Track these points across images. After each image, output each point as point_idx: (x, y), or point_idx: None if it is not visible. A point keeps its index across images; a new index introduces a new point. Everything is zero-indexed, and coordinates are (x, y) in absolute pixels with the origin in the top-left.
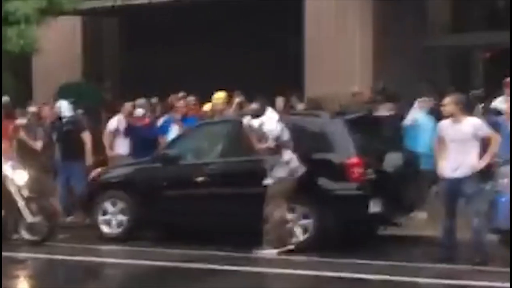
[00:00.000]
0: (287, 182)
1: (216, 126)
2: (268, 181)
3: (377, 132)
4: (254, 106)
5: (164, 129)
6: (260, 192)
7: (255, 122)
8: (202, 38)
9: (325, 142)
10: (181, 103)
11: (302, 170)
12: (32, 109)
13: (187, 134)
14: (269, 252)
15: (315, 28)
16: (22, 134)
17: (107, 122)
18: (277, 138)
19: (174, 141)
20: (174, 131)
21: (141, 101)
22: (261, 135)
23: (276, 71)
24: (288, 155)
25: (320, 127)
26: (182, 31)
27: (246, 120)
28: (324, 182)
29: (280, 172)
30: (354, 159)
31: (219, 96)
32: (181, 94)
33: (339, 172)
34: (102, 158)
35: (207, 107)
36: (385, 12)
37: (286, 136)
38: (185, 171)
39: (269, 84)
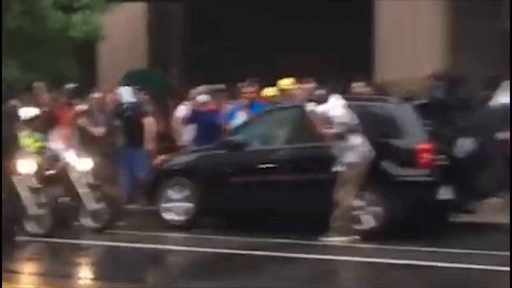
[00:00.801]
0: (358, 167)
1: (283, 112)
2: (338, 167)
3: (448, 118)
4: (320, 91)
5: (231, 115)
6: (326, 179)
7: (319, 108)
8: (269, 23)
9: (394, 127)
10: (248, 90)
11: (372, 154)
12: (95, 95)
13: (253, 120)
14: (337, 239)
15: (387, 11)
16: (82, 121)
17: (175, 109)
18: (343, 124)
19: (239, 127)
20: (240, 118)
21: (205, 87)
22: (326, 121)
23: (346, 55)
24: (357, 139)
25: (389, 112)
26: (249, 16)
27: (310, 106)
28: (393, 168)
29: (350, 157)
30: (424, 145)
31: (286, 82)
32: (247, 81)
33: (408, 158)
34: (168, 145)
35: (271, 92)
36: None
37: (354, 121)
38: (251, 158)
39: (338, 69)
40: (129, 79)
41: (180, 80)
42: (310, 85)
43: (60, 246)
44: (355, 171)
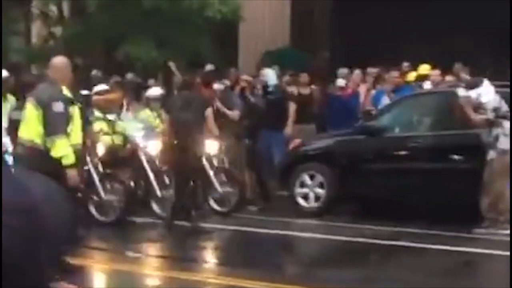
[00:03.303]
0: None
1: (425, 98)
2: (492, 155)
3: None
4: (467, 77)
5: (376, 100)
6: (470, 167)
7: (472, 93)
8: (416, 5)
9: None
10: (393, 74)
11: None
12: (242, 76)
13: (394, 105)
14: (500, 232)
15: None
16: (217, 103)
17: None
18: (495, 110)
19: (380, 112)
20: (384, 103)
21: (343, 70)
22: (478, 107)
23: (497, 38)
24: (510, 126)
25: None
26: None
27: (462, 91)
28: None
29: (505, 144)
30: None
31: (426, 67)
32: (393, 68)
33: None
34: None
35: (412, 77)
36: None
37: (505, 107)
38: (390, 144)
39: (483, 54)
40: (268, 59)
41: (330, 64)
42: (461, 71)
43: (184, 230)
44: (507, 158)
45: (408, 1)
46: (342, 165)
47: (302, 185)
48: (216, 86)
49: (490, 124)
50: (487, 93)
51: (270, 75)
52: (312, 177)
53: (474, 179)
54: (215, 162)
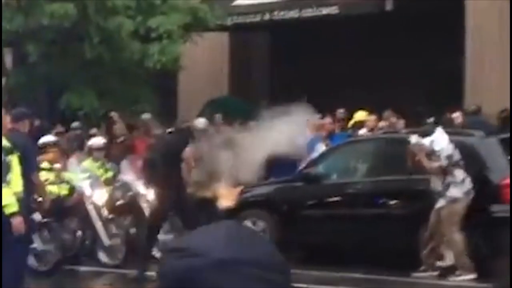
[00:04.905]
0: (461, 202)
1: (362, 144)
2: (441, 203)
3: None
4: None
5: (310, 147)
6: (406, 213)
7: (425, 141)
8: (352, 52)
9: (479, 162)
10: (326, 120)
11: (473, 191)
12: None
13: (331, 152)
14: (467, 278)
15: (477, 42)
16: None
17: None
18: (449, 157)
19: (317, 159)
20: (319, 150)
21: None
22: (431, 154)
23: (433, 86)
24: (461, 174)
25: (473, 146)
26: (332, 45)
27: (414, 138)
28: (481, 203)
29: (455, 192)
30: (508, 180)
31: (362, 114)
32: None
33: (493, 193)
34: None
35: (351, 124)
36: None
37: (457, 155)
38: (329, 191)
39: (424, 99)
40: (212, 107)
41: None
42: (393, 117)
43: (131, 278)
44: (457, 206)
45: (345, 51)
46: (283, 212)
47: None
48: None
49: (443, 171)
50: (440, 141)
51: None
52: (254, 224)
53: (411, 225)
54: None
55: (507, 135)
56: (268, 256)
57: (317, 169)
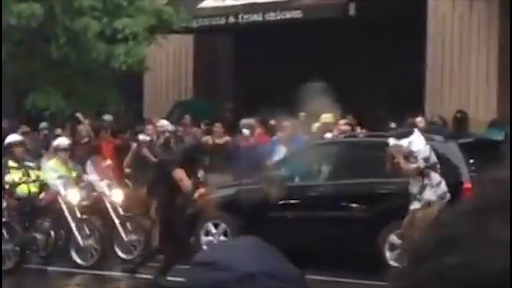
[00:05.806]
0: (435, 206)
1: (324, 148)
2: (415, 204)
3: (494, 156)
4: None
5: (272, 149)
6: (368, 216)
7: (403, 142)
8: (315, 56)
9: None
10: (288, 123)
11: (448, 195)
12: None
13: (294, 155)
14: None
15: (438, 48)
16: (145, 151)
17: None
18: (426, 159)
19: (280, 162)
20: (280, 152)
21: (246, 121)
22: (409, 155)
23: (394, 91)
24: (438, 177)
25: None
26: (296, 49)
27: (393, 140)
28: None
29: (430, 195)
30: (468, 184)
31: (327, 116)
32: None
33: (452, 196)
34: None
35: (315, 127)
36: None
37: (433, 158)
38: (291, 193)
39: (386, 104)
40: (180, 109)
41: (234, 114)
42: (351, 121)
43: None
44: (431, 209)
45: (308, 54)
46: (245, 214)
47: (207, 233)
48: (142, 136)
49: (421, 173)
50: (417, 142)
51: (165, 125)
52: (216, 226)
53: (375, 227)
54: (121, 211)
55: (467, 139)
56: (290, 269)
57: (280, 171)
